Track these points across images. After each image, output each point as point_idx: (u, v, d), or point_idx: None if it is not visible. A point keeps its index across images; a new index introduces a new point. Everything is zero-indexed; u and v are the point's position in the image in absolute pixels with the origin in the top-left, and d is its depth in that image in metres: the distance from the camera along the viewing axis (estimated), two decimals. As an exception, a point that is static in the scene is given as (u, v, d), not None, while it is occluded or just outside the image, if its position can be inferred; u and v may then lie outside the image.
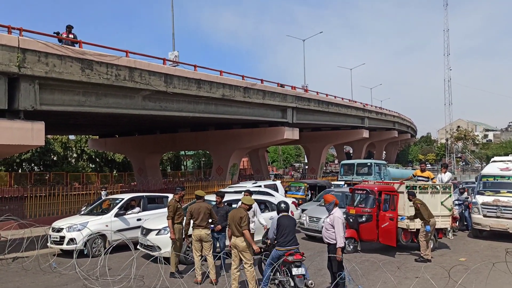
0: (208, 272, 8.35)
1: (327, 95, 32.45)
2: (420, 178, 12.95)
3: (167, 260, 8.99)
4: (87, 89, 15.33)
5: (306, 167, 58.53)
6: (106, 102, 16.30)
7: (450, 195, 12.08)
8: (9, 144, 12.53)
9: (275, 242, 7.40)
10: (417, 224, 11.27)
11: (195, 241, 8.59)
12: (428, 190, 11.78)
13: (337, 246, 7.46)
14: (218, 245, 9.26)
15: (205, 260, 8.57)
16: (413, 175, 13.74)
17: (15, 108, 12.78)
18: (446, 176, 13.20)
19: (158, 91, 17.53)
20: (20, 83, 12.85)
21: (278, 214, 7.63)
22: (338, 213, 7.69)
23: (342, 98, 35.77)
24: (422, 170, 13.27)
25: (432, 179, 12.85)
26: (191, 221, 8.77)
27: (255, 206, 9.99)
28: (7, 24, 12.61)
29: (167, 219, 8.99)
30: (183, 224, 9.04)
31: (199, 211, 8.60)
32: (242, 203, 7.95)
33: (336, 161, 75.85)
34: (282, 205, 7.70)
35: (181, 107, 19.71)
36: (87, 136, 43.28)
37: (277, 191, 16.79)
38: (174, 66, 19.84)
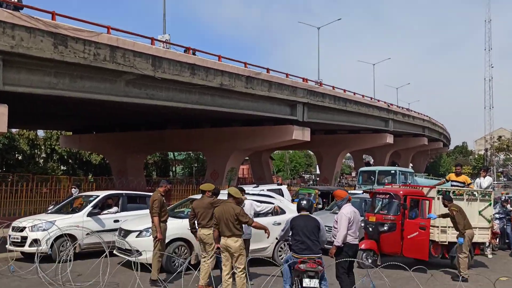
0: None
1: (344, 90, 32.49)
2: (455, 184, 12.73)
3: (148, 266, 8.89)
4: (59, 69, 15.33)
5: (317, 178, 58.38)
6: (82, 85, 16.28)
7: (490, 204, 11.96)
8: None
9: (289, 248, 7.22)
10: (449, 236, 11.15)
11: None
12: (463, 196, 11.65)
13: (333, 244, 7.50)
14: None
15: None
16: (446, 179, 13.57)
17: (-27, 88, 12.80)
18: (486, 181, 13.05)
19: (144, 76, 17.55)
20: (-19, 59, 12.87)
21: (298, 212, 7.21)
22: (345, 209, 7.68)
23: (363, 96, 35.75)
24: (457, 174, 13.01)
25: (469, 184, 12.66)
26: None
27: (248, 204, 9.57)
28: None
29: (153, 216, 8.90)
30: (166, 223, 9.09)
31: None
32: (228, 196, 7.86)
33: (353, 174, 75.53)
34: (304, 202, 7.21)
35: (171, 96, 19.71)
36: (58, 133, 43.33)
37: (283, 197, 16.66)
38: (165, 48, 19.83)
